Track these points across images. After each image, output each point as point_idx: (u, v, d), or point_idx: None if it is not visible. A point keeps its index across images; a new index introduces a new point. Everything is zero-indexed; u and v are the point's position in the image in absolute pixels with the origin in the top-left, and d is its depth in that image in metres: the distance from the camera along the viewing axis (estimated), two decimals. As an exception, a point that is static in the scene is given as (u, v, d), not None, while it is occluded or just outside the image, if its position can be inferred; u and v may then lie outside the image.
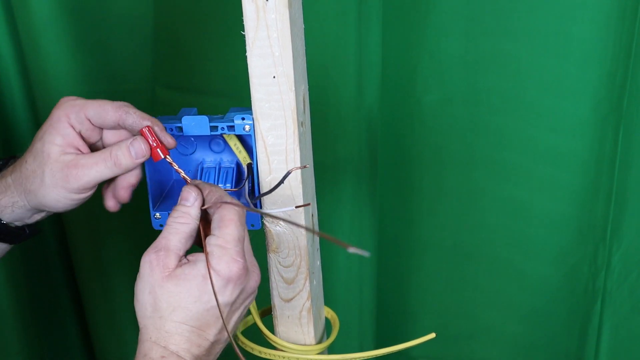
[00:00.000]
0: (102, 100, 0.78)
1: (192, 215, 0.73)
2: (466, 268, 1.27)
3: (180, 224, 0.73)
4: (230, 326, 0.72)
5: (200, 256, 0.71)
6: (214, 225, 0.73)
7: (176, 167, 0.76)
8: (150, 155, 0.77)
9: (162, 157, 0.76)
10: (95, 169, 0.77)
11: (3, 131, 1.27)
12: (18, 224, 0.84)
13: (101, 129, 0.80)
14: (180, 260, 0.72)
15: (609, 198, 1.14)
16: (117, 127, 0.78)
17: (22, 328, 1.36)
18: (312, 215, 0.81)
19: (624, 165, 1.11)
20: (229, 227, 0.72)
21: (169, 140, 0.77)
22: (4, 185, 0.81)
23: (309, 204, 0.78)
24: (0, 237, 0.84)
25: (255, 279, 0.73)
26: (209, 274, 0.70)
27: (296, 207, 0.76)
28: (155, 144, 0.76)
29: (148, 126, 0.76)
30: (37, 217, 0.84)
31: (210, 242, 0.71)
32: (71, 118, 0.78)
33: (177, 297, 0.70)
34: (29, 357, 1.38)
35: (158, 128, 0.77)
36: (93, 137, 0.80)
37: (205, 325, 0.70)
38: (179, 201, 0.74)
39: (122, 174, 0.79)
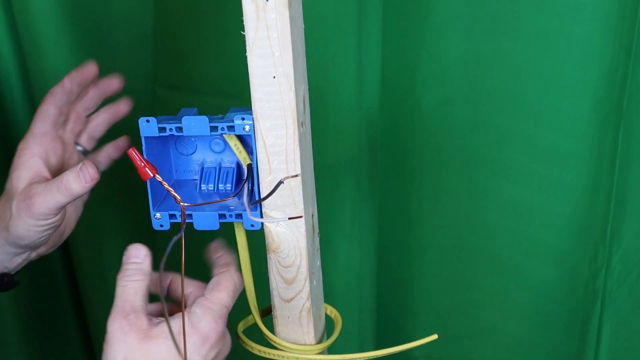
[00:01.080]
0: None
1: (145, 271, 0.74)
2: (466, 268, 1.27)
3: (136, 281, 0.74)
4: None
5: (177, 314, 0.71)
6: (208, 287, 0.75)
7: (166, 185, 0.77)
8: (140, 174, 0.77)
9: (151, 175, 0.76)
10: (50, 196, 0.79)
11: (3, 131, 1.27)
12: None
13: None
14: (150, 320, 0.72)
15: (609, 198, 1.14)
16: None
17: (22, 329, 1.36)
18: (312, 215, 0.81)
19: (624, 165, 1.11)
20: (222, 292, 0.74)
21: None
22: None
23: (301, 217, 0.78)
24: None
25: (227, 345, 0.74)
26: (183, 332, 0.70)
27: (289, 218, 0.77)
28: (143, 164, 0.76)
29: (133, 147, 0.76)
30: (18, 259, 0.85)
31: (197, 301, 0.72)
32: (31, 147, 0.80)
33: (157, 357, 0.70)
34: (29, 357, 1.38)
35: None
36: (59, 161, 0.82)
37: None
38: (126, 259, 0.75)
39: (78, 198, 0.80)
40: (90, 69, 0.89)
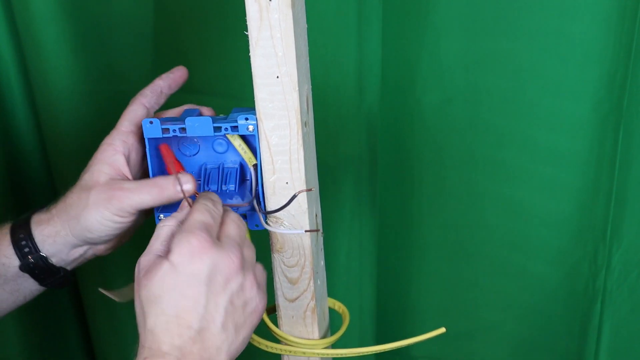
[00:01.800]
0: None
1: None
2: (466, 268, 1.27)
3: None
4: (218, 313, 0.69)
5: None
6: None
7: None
8: (168, 171, 0.81)
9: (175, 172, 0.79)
10: (139, 194, 0.79)
11: (3, 131, 1.27)
12: (54, 260, 0.84)
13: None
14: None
15: (609, 198, 1.14)
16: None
17: (23, 329, 1.36)
18: (316, 215, 0.81)
19: (624, 165, 1.11)
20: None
21: None
22: (47, 216, 0.83)
23: (318, 230, 0.79)
24: (35, 273, 0.85)
25: (228, 263, 0.70)
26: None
27: (306, 231, 0.78)
28: (172, 160, 0.80)
29: (165, 144, 0.80)
30: (75, 253, 0.85)
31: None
32: (116, 144, 0.81)
33: (151, 292, 0.69)
34: (29, 357, 1.38)
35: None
36: (139, 161, 0.84)
37: (183, 311, 0.68)
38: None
39: (163, 204, 0.80)
40: (181, 72, 0.88)
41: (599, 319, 1.21)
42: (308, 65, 0.75)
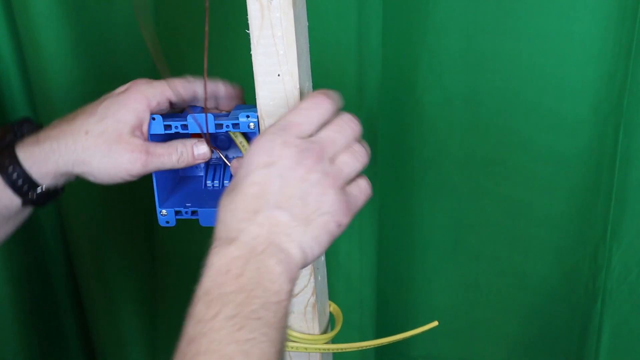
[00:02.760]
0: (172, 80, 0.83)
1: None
2: (466, 268, 1.27)
3: None
4: (285, 201, 0.66)
5: None
6: None
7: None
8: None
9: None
10: (162, 159, 0.80)
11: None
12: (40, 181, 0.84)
13: None
14: None
15: (609, 198, 1.14)
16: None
17: (22, 328, 1.36)
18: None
19: (624, 165, 1.11)
20: None
21: None
22: (48, 150, 0.82)
23: None
24: (35, 201, 0.84)
25: (304, 155, 0.67)
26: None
27: None
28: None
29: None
30: (62, 178, 0.84)
31: None
32: (151, 100, 0.80)
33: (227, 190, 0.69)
34: (29, 357, 1.38)
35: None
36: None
37: (250, 198, 0.66)
38: None
39: (179, 167, 0.81)
40: (238, 91, 0.86)
41: (599, 318, 1.21)
42: (309, 63, 0.75)
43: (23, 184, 0.82)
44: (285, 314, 0.64)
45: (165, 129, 0.79)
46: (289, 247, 0.65)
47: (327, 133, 0.70)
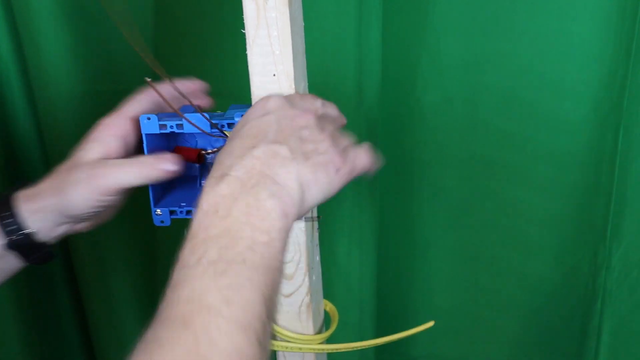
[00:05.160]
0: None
1: None
2: (466, 268, 1.27)
3: None
4: (285, 139, 0.65)
5: None
6: None
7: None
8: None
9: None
10: (122, 171, 0.78)
11: (3, 131, 1.27)
12: (40, 235, 0.83)
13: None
14: None
15: (609, 198, 1.14)
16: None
17: (22, 328, 1.36)
18: (312, 211, 0.81)
19: (623, 165, 1.11)
20: None
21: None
22: (36, 191, 0.81)
23: (319, 217, 0.79)
24: (21, 250, 0.83)
25: (299, 110, 0.69)
26: None
27: (305, 219, 0.77)
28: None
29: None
30: (60, 230, 0.83)
31: None
32: (113, 125, 0.80)
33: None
34: (29, 357, 1.38)
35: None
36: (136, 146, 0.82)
37: (247, 136, 0.66)
38: None
39: (146, 183, 0.79)
40: (205, 85, 0.87)
41: (599, 318, 1.21)
42: (305, 63, 0.75)
43: (12, 224, 0.81)
44: (277, 254, 0.61)
45: (160, 129, 0.79)
46: (285, 178, 0.63)
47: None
